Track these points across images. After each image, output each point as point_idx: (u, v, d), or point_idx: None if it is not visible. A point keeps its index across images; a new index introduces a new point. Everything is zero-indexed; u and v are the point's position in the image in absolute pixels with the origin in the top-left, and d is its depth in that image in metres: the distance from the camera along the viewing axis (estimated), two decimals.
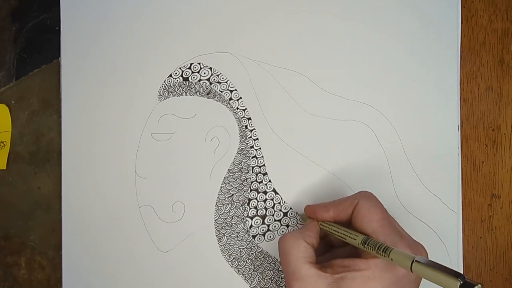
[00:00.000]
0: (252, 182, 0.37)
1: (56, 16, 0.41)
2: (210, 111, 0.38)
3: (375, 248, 0.26)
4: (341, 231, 0.30)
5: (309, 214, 0.33)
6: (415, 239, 0.29)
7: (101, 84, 0.40)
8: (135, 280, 0.38)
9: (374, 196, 0.30)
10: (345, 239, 0.29)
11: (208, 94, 0.38)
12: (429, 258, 0.35)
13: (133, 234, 0.38)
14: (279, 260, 0.37)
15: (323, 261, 0.30)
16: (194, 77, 0.38)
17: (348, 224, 0.30)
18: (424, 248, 0.29)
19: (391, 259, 0.25)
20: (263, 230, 0.37)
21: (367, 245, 0.27)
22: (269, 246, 0.37)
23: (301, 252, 0.28)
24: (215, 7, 0.38)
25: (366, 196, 0.30)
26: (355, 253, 0.29)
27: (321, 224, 0.32)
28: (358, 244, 0.28)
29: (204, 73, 0.38)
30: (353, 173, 0.36)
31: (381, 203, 0.30)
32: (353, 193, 0.32)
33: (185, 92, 0.38)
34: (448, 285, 0.22)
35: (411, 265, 0.24)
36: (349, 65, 0.37)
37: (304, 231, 0.31)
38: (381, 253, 0.26)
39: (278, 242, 0.30)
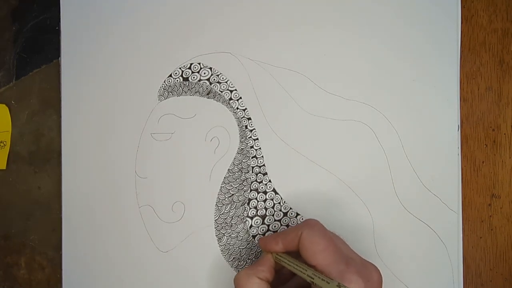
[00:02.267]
0: (252, 182, 0.37)
1: (56, 16, 0.41)
2: (210, 111, 0.38)
3: (321, 285, 0.26)
4: (291, 266, 0.29)
5: (263, 247, 0.32)
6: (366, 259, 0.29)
7: (101, 84, 0.40)
8: (135, 280, 0.38)
9: (318, 223, 0.30)
10: (297, 273, 0.29)
11: (208, 94, 0.38)
12: (429, 259, 0.35)
13: (133, 234, 0.38)
14: None
15: None
16: (194, 77, 0.38)
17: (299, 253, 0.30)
18: (376, 269, 0.28)
19: None
20: (263, 230, 0.37)
21: (314, 281, 0.27)
22: None
23: None
24: (215, 8, 0.38)
25: (309, 226, 0.29)
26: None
27: (275, 257, 0.31)
28: (308, 279, 0.28)
29: (204, 73, 0.38)
30: (353, 173, 0.36)
31: (324, 230, 0.30)
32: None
33: (185, 92, 0.38)
34: None
35: None
36: (349, 65, 0.37)
37: (256, 266, 0.30)
38: None
39: (233, 280, 0.30)
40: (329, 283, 0.26)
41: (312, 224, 0.30)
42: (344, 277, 0.26)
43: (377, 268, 0.29)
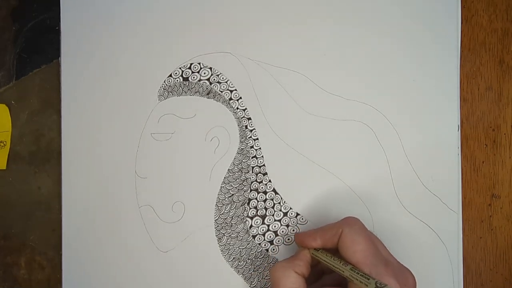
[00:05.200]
0: (252, 182, 0.37)
1: (56, 16, 0.41)
2: (210, 111, 0.38)
3: (360, 282, 0.27)
4: (329, 262, 0.29)
5: (299, 243, 0.32)
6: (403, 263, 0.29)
7: (101, 84, 0.40)
8: (135, 280, 0.38)
9: (359, 222, 0.30)
10: (334, 269, 0.29)
11: (208, 94, 0.38)
12: (429, 259, 0.35)
13: (133, 234, 0.38)
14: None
15: None
16: (194, 77, 0.38)
17: (337, 250, 0.30)
18: (411, 274, 0.29)
19: None
20: (263, 230, 0.37)
21: (354, 278, 0.27)
22: (269, 246, 0.37)
23: (290, 282, 0.28)
24: (215, 7, 0.38)
25: (349, 224, 0.30)
26: (345, 280, 0.29)
27: (312, 253, 0.31)
28: (346, 276, 0.28)
29: (204, 73, 0.38)
30: (353, 173, 0.36)
31: (365, 229, 0.30)
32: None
33: (185, 92, 0.38)
34: None
35: None
36: (349, 65, 0.37)
37: (293, 260, 0.30)
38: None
39: (269, 271, 0.30)
40: (368, 279, 0.26)
41: (353, 223, 0.30)
42: (382, 279, 0.26)
43: (412, 273, 0.29)
